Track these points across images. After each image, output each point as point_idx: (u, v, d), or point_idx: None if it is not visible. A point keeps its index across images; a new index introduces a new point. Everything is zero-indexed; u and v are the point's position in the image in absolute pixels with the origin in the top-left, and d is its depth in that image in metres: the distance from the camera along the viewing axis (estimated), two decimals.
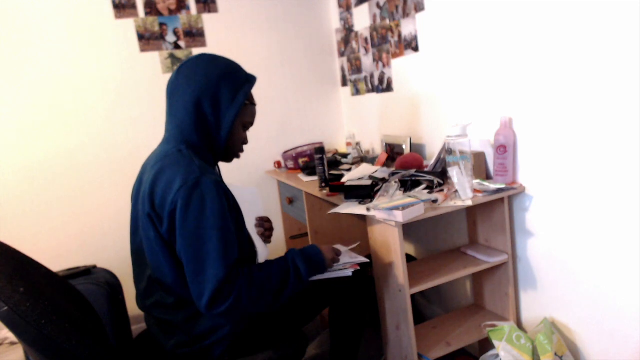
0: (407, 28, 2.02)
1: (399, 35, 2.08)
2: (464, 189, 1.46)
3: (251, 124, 1.34)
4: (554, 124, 1.40)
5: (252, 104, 1.32)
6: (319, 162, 1.87)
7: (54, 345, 0.95)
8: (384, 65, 2.26)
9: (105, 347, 1.08)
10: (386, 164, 2.12)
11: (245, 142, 1.35)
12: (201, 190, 1.10)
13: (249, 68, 2.58)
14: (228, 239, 1.12)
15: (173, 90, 1.24)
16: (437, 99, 1.92)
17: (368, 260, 1.44)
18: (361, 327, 1.51)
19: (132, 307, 1.84)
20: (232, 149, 1.32)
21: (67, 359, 0.97)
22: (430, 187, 1.58)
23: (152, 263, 1.21)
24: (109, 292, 1.62)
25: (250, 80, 1.29)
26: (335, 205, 1.64)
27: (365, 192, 1.61)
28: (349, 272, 1.39)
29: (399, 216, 1.33)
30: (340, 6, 2.59)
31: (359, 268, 1.41)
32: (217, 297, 1.08)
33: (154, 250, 1.18)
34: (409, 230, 2.29)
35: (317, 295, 1.43)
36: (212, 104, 1.21)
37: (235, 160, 2.59)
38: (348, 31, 2.56)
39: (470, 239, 1.79)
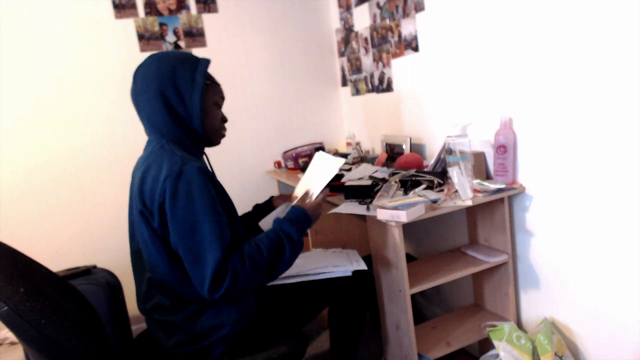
0: (407, 28, 2.02)
1: (399, 35, 2.08)
2: (464, 189, 1.46)
3: (222, 99, 1.34)
4: (554, 124, 1.40)
5: (214, 82, 1.31)
6: None
7: (54, 345, 0.95)
8: (384, 65, 2.26)
9: (105, 347, 1.08)
10: (386, 164, 2.12)
11: (224, 119, 1.35)
12: (185, 177, 1.11)
13: (249, 68, 2.58)
14: (220, 221, 1.13)
15: (136, 96, 1.25)
16: (437, 99, 1.92)
17: (366, 268, 1.43)
18: (361, 327, 1.51)
19: (132, 307, 1.84)
20: (212, 130, 1.32)
21: (67, 359, 0.97)
22: (430, 187, 1.58)
23: (149, 263, 1.21)
24: (109, 292, 1.62)
25: (202, 61, 1.28)
26: (335, 205, 1.64)
27: (365, 192, 1.61)
28: (349, 272, 1.40)
29: (403, 216, 1.33)
30: (340, 6, 2.59)
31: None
32: (217, 279, 1.08)
33: (149, 249, 1.18)
34: (409, 230, 2.28)
35: (317, 295, 1.43)
36: (174, 93, 1.21)
37: (235, 160, 2.59)
38: (348, 31, 2.56)
39: (470, 239, 1.79)
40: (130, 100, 1.27)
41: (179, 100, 1.22)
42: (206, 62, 1.28)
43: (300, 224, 1.27)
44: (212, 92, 1.30)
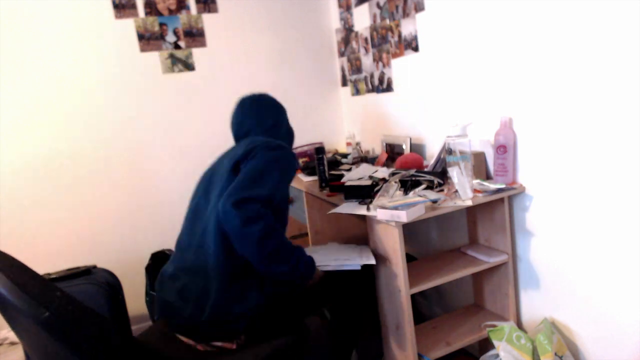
0: (407, 28, 2.02)
1: (399, 35, 2.08)
2: (464, 189, 1.46)
3: None
4: (554, 124, 1.41)
5: None
6: (319, 162, 1.87)
7: (96, 345, 0.95)
8: (384, 65, 2.26)
9: (116, 348, 1.08)
10: (386, 164, 2.12)
11: None
12: (281, 152, 1.34)
13: (249, 68, 2.58)
14: (280, 191, 1.29)
15: (261, 108, 1.56)
16: (437, 99, 1.92)
17: (374, 262, 1.45)
18: (359, 324, 1.53)
19: (132, 307, 1.84)
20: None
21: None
22: (430, 187, 1.58)
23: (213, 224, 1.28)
24: (109, 292, 1.63)
25: None
26: (335, 205, 1.64)
27: (365, 192, 1.61)
28: (357, 266, 1.42)
29: (403, 216, 1.33)
30: (340, 6, 2.59)
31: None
32: (251, 203, 1.19)
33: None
34: (409, 230, 2.28)
35: (320, 291, 1.44)
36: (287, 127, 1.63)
37: None
38: (348, 31, 2.56)
39: (470, 239, 1.79)
40: (245, 107, 1.57)
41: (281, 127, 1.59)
42: None
43: (309, 272, 1.33)
44: None
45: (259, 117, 1.55)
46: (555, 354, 1.41)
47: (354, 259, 1.45)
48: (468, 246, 1.73)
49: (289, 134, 1.62)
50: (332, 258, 1.46)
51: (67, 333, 0.91)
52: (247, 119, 1.56)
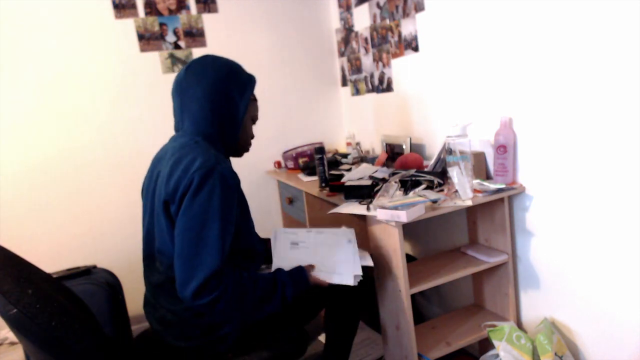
0: (407, 28, 2.02)
1: (399, 35, 2.08)
2: (464, 189, 1.46)
3: (257, 117, 1.41)
4: (554, 124, 1.41)
5: (255, 99, 1.40)
6: (319, 162, 1.87)
7: (63, 347, 0.94)
8: (384, 65, 2.26)
9: (109, 347, 1.08)
10: (386, 164, 2.12)
11: (252, 136, 1.40)
12: (214, 178, 1.12)
13: (249, 68, 2.55)
14: (227, 232, 1.14)
15: (183, 88, 1.27)
16: (437, 99, 1.92)
17: (371, 264, 1.42)
18: (354, 328, 1.52)
19: (132, 307, 1.84)
20: (243, 142, 1.38)
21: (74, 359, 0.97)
22: (430, 187, 1.58)
23: (162, 255, 1.21)
24: (109, 292, 1.63)
25: (252, 78, 1.36)
26: (335, 205, 1.64)
27: (365, 192, 1.61)
28: (351, 281, 1.33)
29: (403, 216, 1.33)
30: (340, 6, 2.59)
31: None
32: (205, 286, 1.08)
33: (164, 238, 1.19)
34: (409, 230, 2.28)
35: (317, 295, 1.43)
36: (225, 98, 1.27)
37: (235, 160, 2.59)
38: (348, 31, 2.56)
39: (470, 239, 1.79)
40: (173, 90, 1.30)
41: (226, 105, 1.27)
42: (254, 79, 1.36)
43: (297, 284, 1.27)
44: (253, 107, 1.38)
45: (182, 100, 1.27)
46: (555, 354, 1.41)
47: (347, 268, 1.35)
48: (468, 246, 1.73)
49: (220, 120, 1.27)
50: (324, 272, 1.35)
51: (34, 332, 0.91)
52: (175, 105, 1.31)
